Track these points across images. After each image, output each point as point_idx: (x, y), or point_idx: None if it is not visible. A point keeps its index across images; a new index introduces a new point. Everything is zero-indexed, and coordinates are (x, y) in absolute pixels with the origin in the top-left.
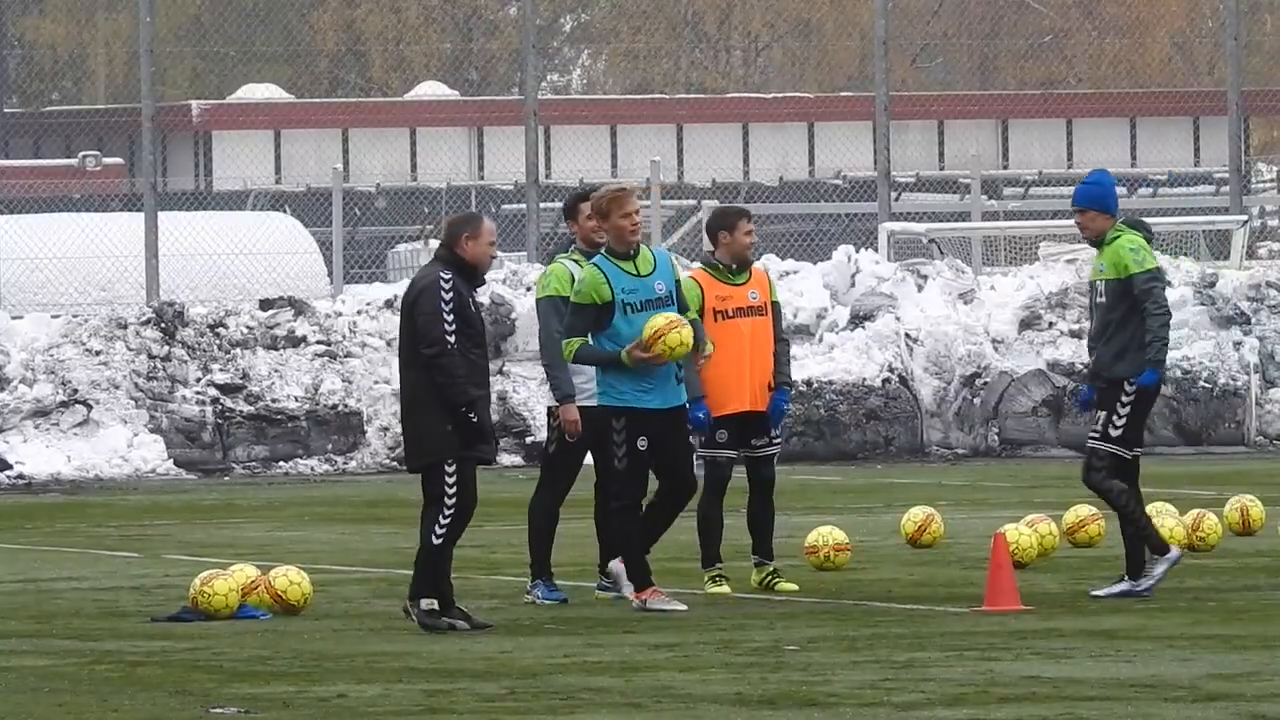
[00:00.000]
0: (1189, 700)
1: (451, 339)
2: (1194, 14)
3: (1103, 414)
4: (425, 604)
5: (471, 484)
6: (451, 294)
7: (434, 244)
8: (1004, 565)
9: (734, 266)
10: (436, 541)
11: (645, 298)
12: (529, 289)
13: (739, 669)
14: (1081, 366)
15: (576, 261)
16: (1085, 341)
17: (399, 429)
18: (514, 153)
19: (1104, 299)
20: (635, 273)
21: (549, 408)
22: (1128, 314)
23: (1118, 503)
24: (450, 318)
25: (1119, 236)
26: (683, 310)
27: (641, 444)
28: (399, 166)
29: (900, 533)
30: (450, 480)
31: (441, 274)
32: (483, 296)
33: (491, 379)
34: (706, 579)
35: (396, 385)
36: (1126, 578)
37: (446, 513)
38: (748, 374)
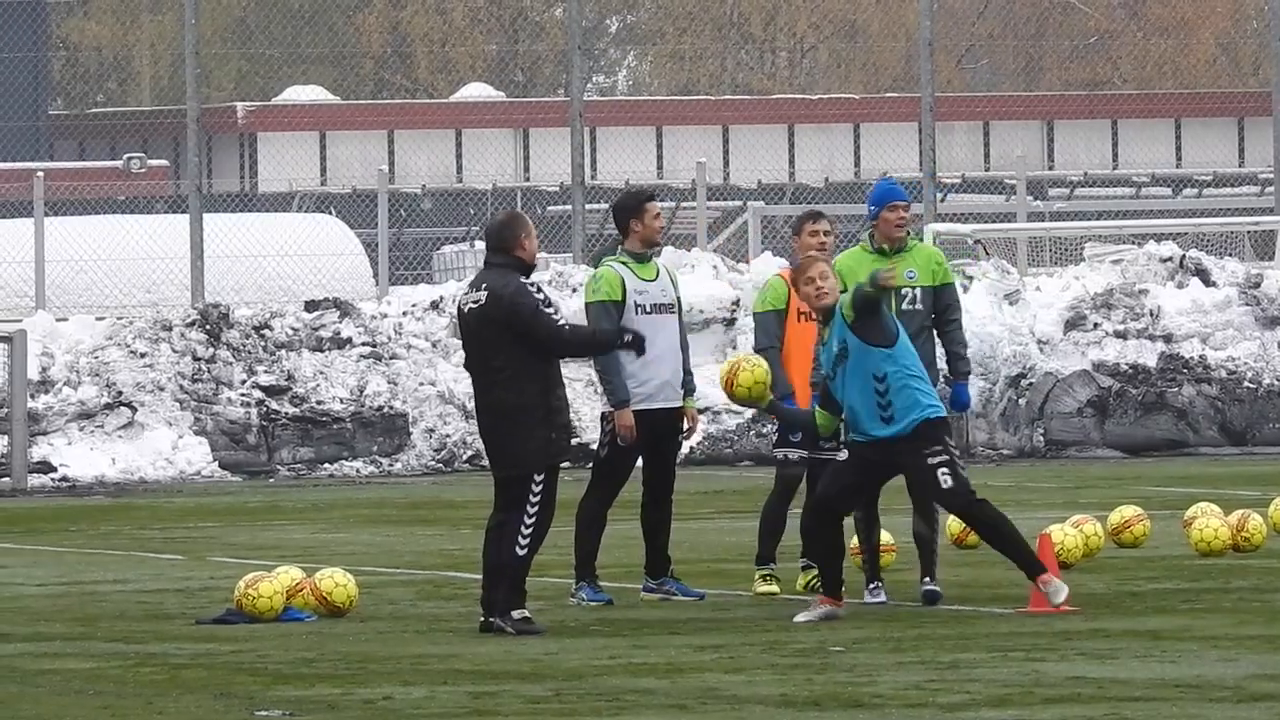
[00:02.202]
0: (1234, 701)
1: (561, 320)
2: (1239, 15)
3: None
4: (518, 614)
5: (554, 494)
6: (540, 292)
7: (479, 245)
8: (1050, 566)
9: None
10: (521, 553)
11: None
12: (575, 290)
13: (784, 670)
14: (1127, 367)
15: (624, 263)
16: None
17: (444, 431)
18: (559, 154)
19: (919, 306)
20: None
21: (602, 413)
22: (928, 323)
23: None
24: (549, 310)
25: (918, 243)
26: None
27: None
28: (444, 168)
29: (946, 533)
30: (536, 491)
31: (521, 280)
32: None
33: None
34: (758, 576)
35: (441, 387)
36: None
37: (528, 523)
38: None
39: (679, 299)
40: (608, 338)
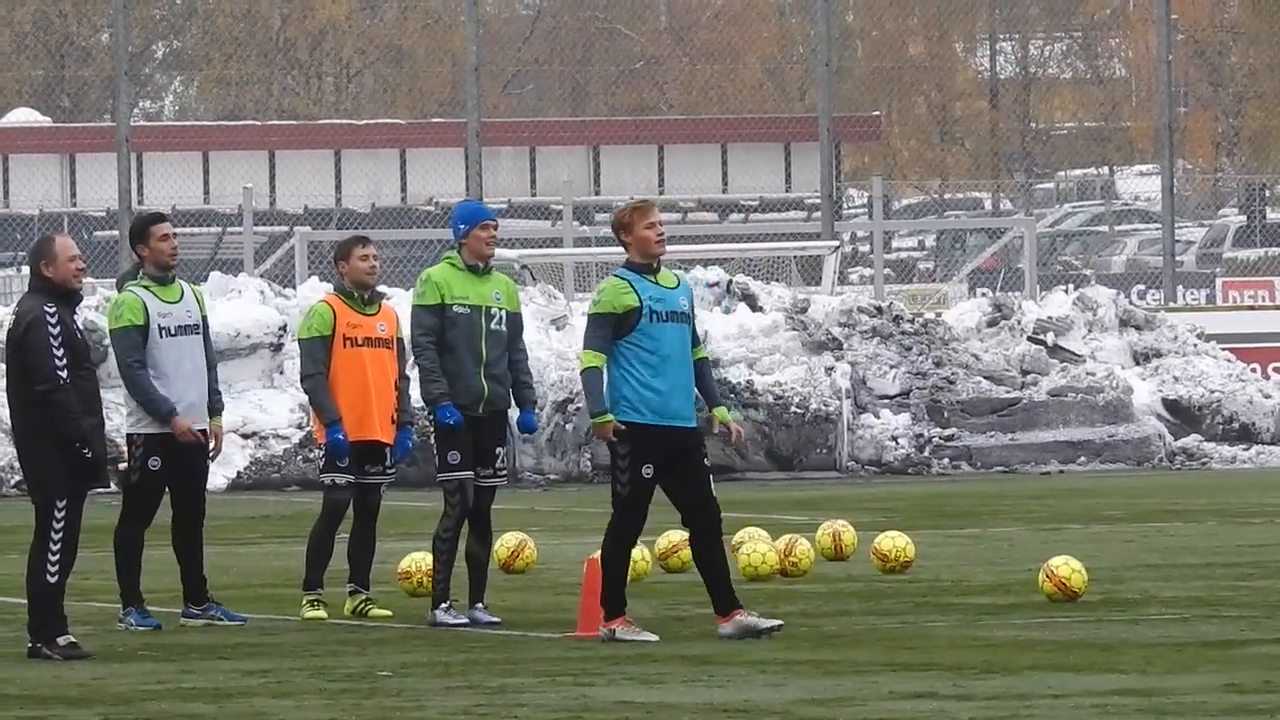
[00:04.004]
0: None
1: (63, 374)
2: (785, 40)
3: (498, 450)
4: (63, 640)
5: (79, 519)
6: (58, 326)
7: (26, 270)
8: (596, 591)
9: (364, 296)
10: (52, 580)
11: (670, 309)
12: None
13: (333, 695)
14: None
15: (146, 287)
16: (474, 369)
17: None
18: (106, 179)
19: (502, 328)
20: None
21: (128, 435)
22: (515, 349)
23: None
24: (60, 352)
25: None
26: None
27: (647, 471)
28: None
29: (494, 558)
30: (59, 518)
31: (45, 307)
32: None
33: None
34: (305, 601)
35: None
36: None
37: (54, 550)
38: (373, 403)
39: (205, 319)
40: (77, 433)
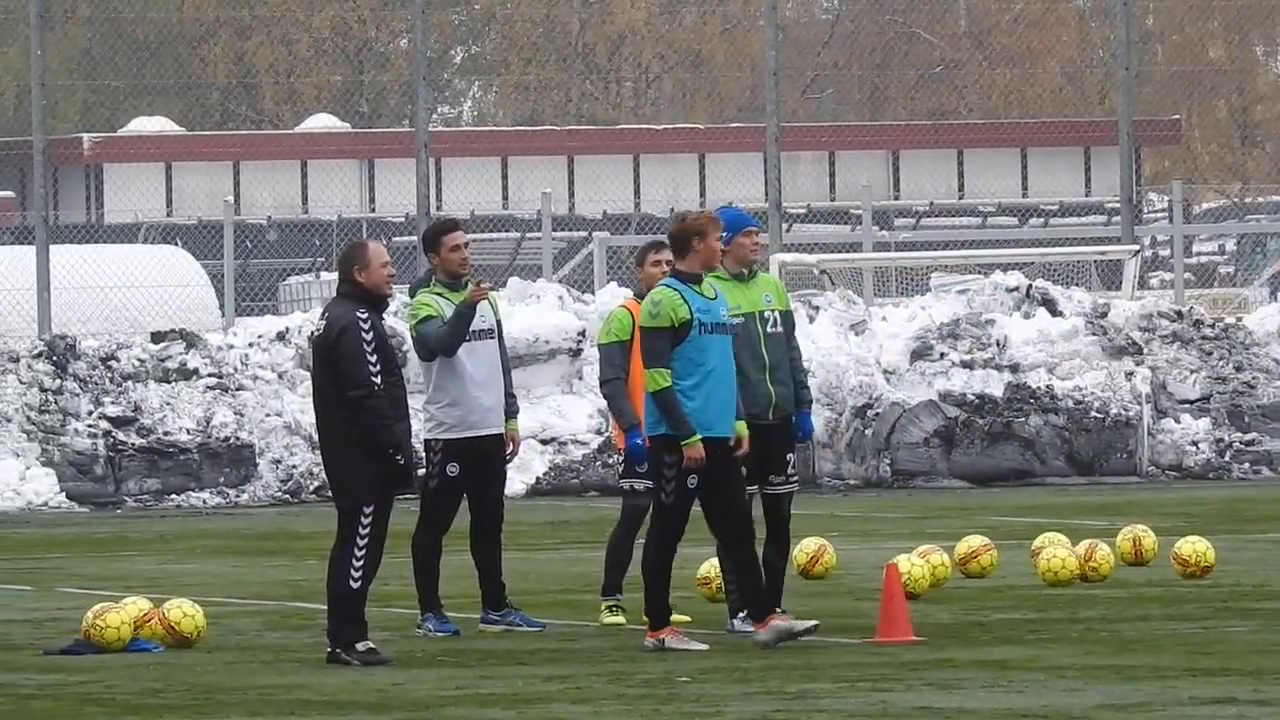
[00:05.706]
0: None
1: (377, 380)
2: (1085, 44)
3: (789, 456)
4: (362, 645)
5: (385, 525)
6: (371, 333)
7: (325, 276)
8: (896, 596)
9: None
10: (355, 586)
11: (714, 320)
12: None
13: (631, 700)
14: (974, 397)
15: (439, 294)
16: (759, 376)
17: (291, 461)
18: (405, 185)
19: (779, 329)
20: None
21: (425, 441)
22: (789, 348)
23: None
24: (373, 358)
25: (760, 271)
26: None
27: (692, 481)
28: (290, 199)
29: (792, 564)
30: (365, 523)
31: (358, 313)
32: None
33: None
34: (604, 607)
35: (288, 418)
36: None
37: (359, 555)
38: None
39: (499, 323)
40: (391, 439)
